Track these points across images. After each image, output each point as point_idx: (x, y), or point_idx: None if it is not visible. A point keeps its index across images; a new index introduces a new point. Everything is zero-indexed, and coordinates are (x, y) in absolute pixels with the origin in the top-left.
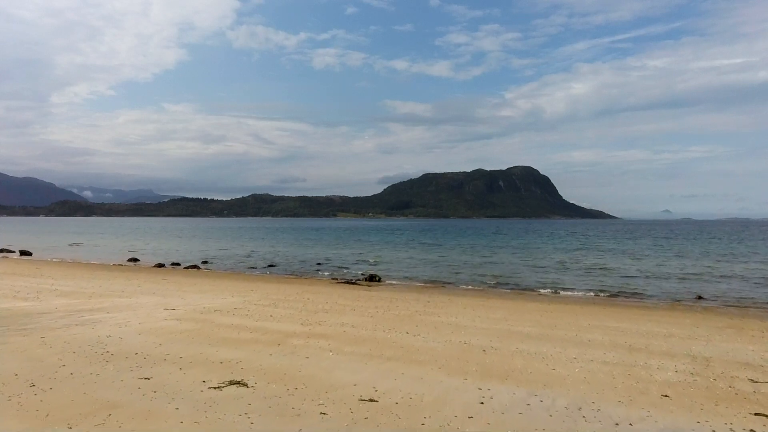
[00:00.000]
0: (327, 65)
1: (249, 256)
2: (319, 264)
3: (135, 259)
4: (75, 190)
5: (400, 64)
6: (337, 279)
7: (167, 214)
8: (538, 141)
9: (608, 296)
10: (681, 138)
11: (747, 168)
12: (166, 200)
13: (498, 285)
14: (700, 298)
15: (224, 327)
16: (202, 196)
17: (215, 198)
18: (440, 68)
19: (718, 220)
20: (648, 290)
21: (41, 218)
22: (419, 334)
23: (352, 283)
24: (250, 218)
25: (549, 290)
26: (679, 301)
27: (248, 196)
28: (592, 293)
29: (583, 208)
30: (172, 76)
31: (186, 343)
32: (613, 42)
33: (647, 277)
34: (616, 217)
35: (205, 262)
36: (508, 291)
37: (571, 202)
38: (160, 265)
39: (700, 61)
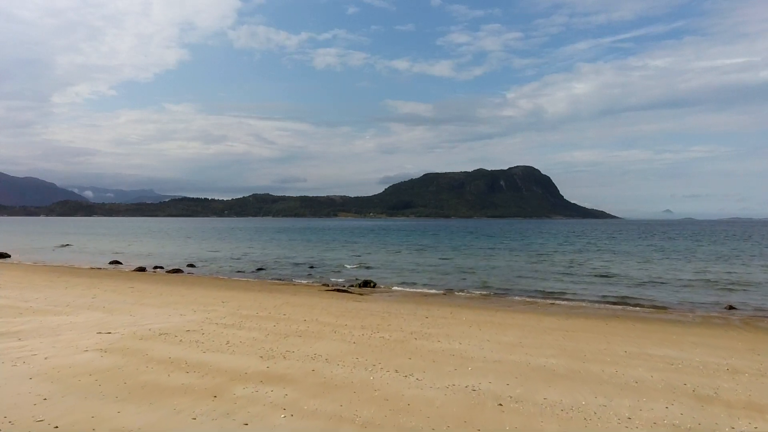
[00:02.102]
0: (328, 65)
1: (240, 258)
2: (311, 267)
3: (117, 262)
4: (76, 190)
5: (401, 64)
6: (327, 285)
7: (168, 214)
8: (539, 141)
9: (628, 308)
10: (682, 138)
11: (748, 168)
12: (166, 200)
13: (503, 292)
14: (731, 308)
15: (156, 363)
16: (202, 196)
17: (216, 198)
18: (441, 68)
19: (720, 220)
20: (669, 300)
21: (41, 218)
22: (412, 374)
23: (343, 291)
24: (250, 218)
25: (561, 300)
26: (710, 313)
27: (249, 196)
28: (608, 304)
29: (584, 208)
30: (173, 76)
31: (84, 394)
32: (614, 42)
33: (662, 284)
34: (617, 217)
35: (191, 266)
36: (516, 300)
37: (572, 202)
38: (141, 269)
39: (702, 61)
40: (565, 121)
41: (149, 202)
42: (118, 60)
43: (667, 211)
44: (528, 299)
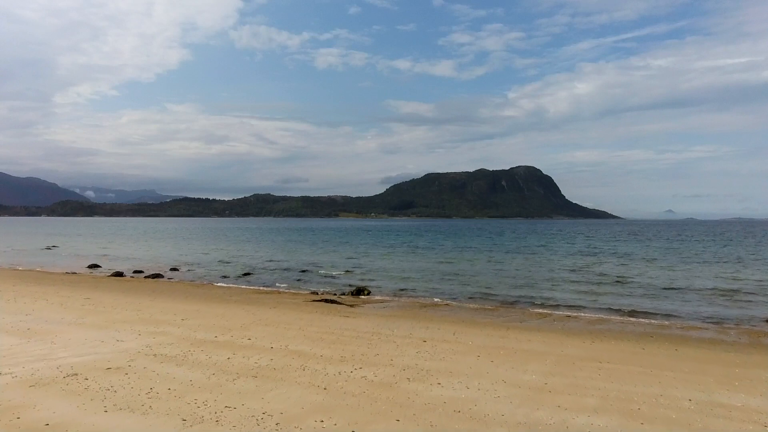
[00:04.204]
0: (330, 65)
1: (229, 261)
2: (303, 272)
3: (96, 266)
4: (78, 190)
5: (402, 64)
6: (316, 293)
7: (169, 215)
8: (541, 141)
9: (657, 322)
10: (684, 138)
11: (751, 168)
12: (168, 200)
13: (511, 302)
14: None
15: None
16: (204, 196)
17: (218, 198)
18: (443, 68)
19: (723, 220)
20: (700, 312)
21: (41, 218)
22: None
23: (331, 302)
24: (251, 218)
25: (577, 312)
26: (753, 329)
27: (250, 196)
28: (632, 316)
29: (586, 208)
30: (175, 76)
31: None
32: (616, 41)
33: (683, 291)
34: (619, 217)
35: (174, 270)
36: (527, 312)
37: (574, 202)
38: (118, 274)
39: (704, 61)
40: (566, 121)
41: (151, 203)
42: (121, 60)
43: (669, 211)
44: (540, 311)
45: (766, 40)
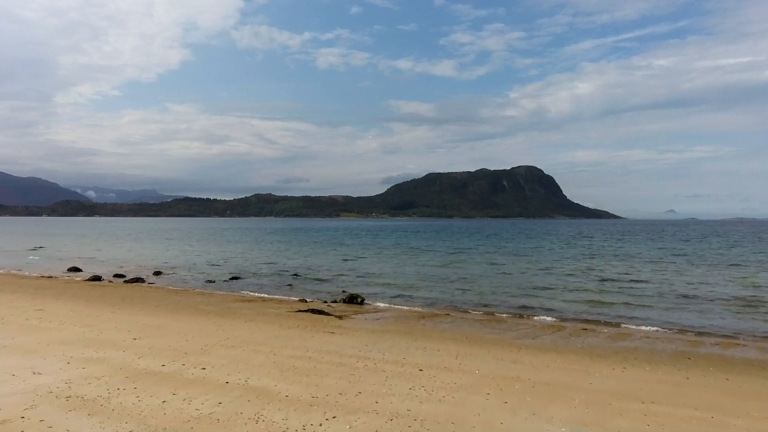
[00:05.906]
0: (331, 65)
1: (219, 264)
2: (295, 275)
3: (76, 269)
4: (79, 190)
5: (404, 64)
6: (304, 301)
7: (170, 214)
8: (542, 141)
9: (690, 337)
10: (685, 137)
11: (752, 168)
12: (169, 200)
13: (519, 312)
14: None
15: None
16: (205, 196)
17: (218, 198)
18: (444, 68)
19: (725, 220)
20: (728, 325)
21: (41, 218)
22: None
23: (319, 313)
24: (252, 218)
25: (594, 325)
26: None
27: (251, 196)
28: (657, 328)
29: (587, 208)
30: (175, 76)
31: None
32: (617, 41)
33: (700, 298)
34: (620, 217)
35: (157, 274)
36: (537, 323)
37: (575, 202)
38: (96, 278)
39: (705, 61)
40: (567, 121)
41: (151, 202)
42: (121, 60)
43: (671, 211)
44: (551, 321)
45: (767, 40)
